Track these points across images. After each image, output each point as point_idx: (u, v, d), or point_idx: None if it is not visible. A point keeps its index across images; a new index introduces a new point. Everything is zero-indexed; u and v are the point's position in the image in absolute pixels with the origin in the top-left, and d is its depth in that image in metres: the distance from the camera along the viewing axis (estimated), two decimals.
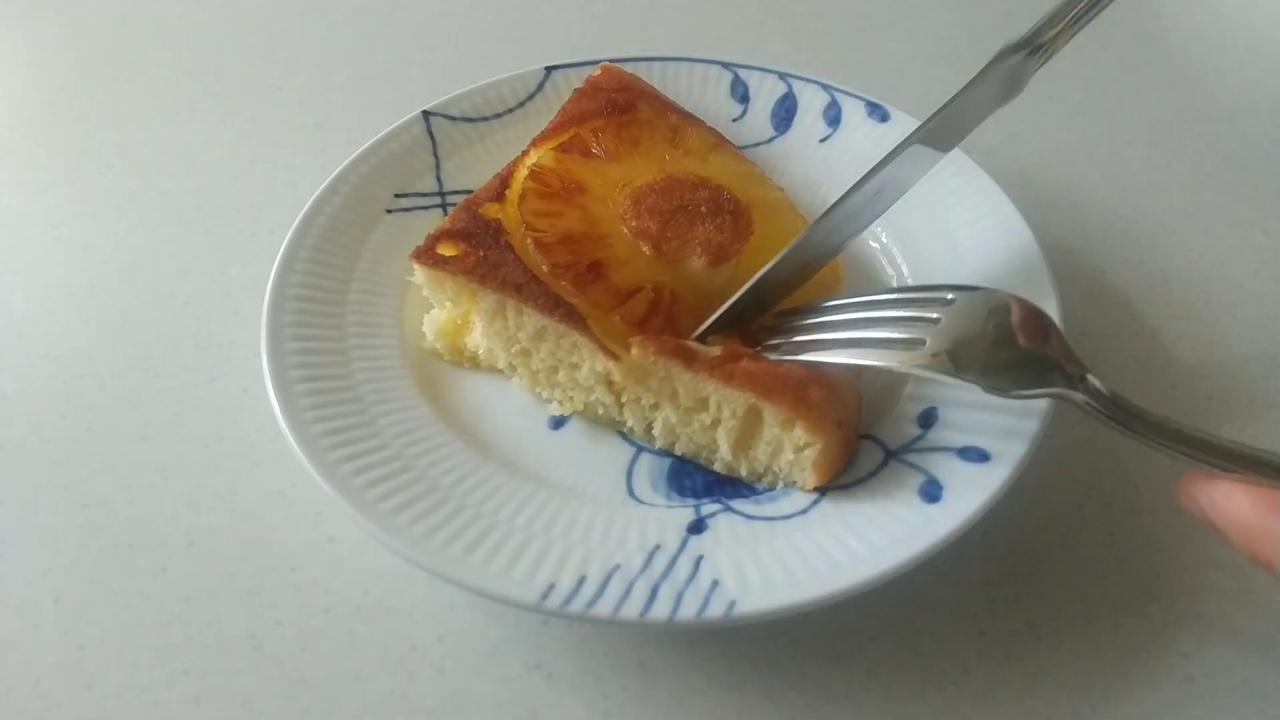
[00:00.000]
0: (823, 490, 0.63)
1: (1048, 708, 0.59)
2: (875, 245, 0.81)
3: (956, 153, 0.81)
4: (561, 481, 0.66)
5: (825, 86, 0.89)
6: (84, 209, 0.91)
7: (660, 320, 0.67)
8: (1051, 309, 0.66)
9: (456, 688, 0.60)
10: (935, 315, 0.59)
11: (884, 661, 0.61)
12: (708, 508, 0.64)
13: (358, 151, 0.80)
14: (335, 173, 0.78)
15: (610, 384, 0.68)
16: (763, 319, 0.68)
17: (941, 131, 0.63)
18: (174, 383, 0.76)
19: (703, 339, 0.67)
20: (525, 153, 0.78)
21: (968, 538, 0.58)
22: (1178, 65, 1.10)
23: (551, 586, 0.56)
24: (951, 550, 0.57)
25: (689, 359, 0.63)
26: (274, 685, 0.60)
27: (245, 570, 0.65)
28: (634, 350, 0.64)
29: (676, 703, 0.59)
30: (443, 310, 0.73)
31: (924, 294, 0.61)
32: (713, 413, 0.65)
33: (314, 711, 0.59)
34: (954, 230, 0.77)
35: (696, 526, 0.62)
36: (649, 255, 0.69)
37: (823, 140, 0.87)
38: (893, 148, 0.64)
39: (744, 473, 0.67)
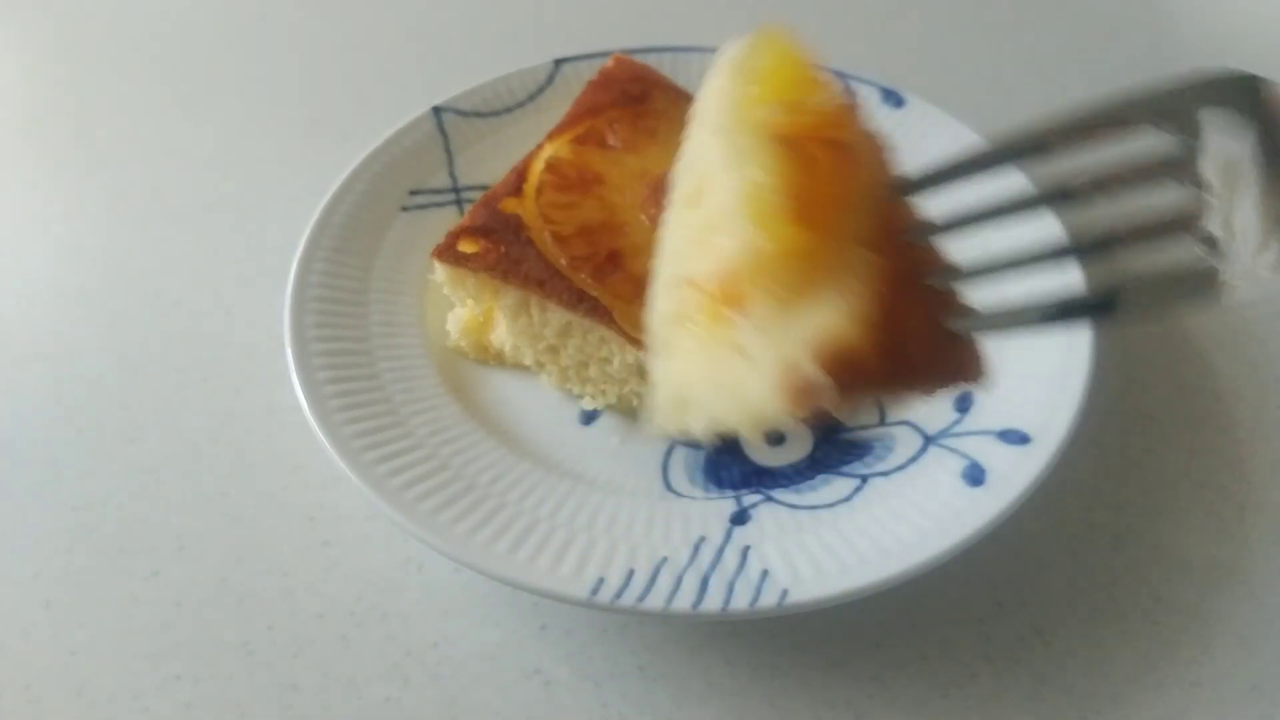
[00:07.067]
0: (864, 478, 0.63)
1: (1054, 713, 0.58)
2: None
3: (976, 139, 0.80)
4: (597, 476, 0.66)
5: (838, 73, 0.88)
6: (73, 207, 0.90)
7: None
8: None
9: (452, 694, 0.59)
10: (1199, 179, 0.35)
11: (889, 666, 0.60)
12: (749, 498, 0.63)
13: (370, 149, 0.79)
14: (348, 171, 0.77)
15: (644, 374, 0.67)
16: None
17: None
18: (165, 384, 0.75)
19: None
20: (540, 146, 0.77)
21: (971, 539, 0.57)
22: (1182, 64, 1.09)
23: (601, 581, 0.56)
24: (955, 555, 0.57)
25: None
26: (266, 691, 0.59)
27: (237, 575, 0.64)
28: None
29: (676, 709, 0.58)
30: (465, 308, 0.73)
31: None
32: None
33: (307, 718, 0.58)
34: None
35: (739, 517, 0.62)
36: None
37: None
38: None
39: None
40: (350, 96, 1.01)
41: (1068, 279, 0.43)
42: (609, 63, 0.85)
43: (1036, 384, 0.63)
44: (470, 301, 0.72)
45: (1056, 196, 0.38)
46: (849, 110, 0.44)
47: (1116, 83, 1.05)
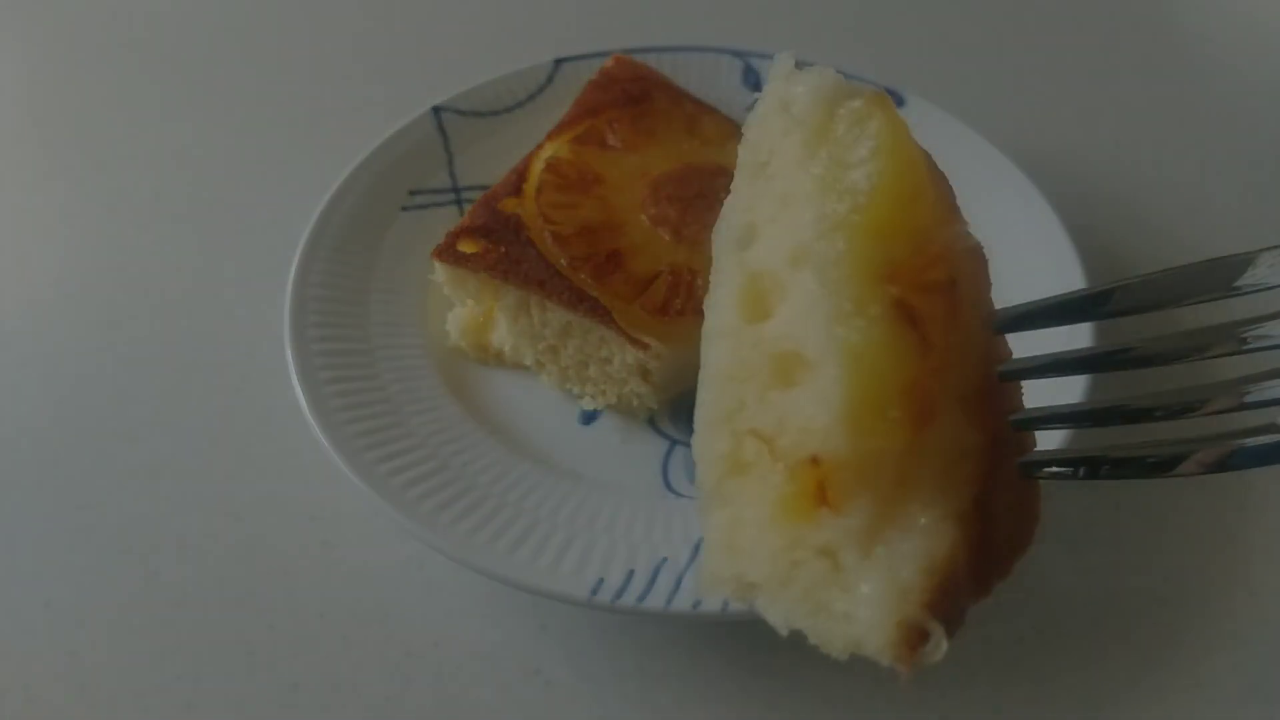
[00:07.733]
0: None
1: (1054, 714, 0.58)
2: None
3: (988, 147, 0.80)
4: (597, 476, 0.66)
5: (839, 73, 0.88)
6: (75, 207, 0.90)
7: (682, 301, 0.67)
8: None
9: (453, 694, 0.59)
10: None
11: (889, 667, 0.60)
12: None
13: (370, 149, 0.79)
14: (348, 171, 0.77)
15: (645, 374, 0.68)
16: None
17: None
18: (165, 384, 0.75)
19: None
20: (540, 146, 0.77)
21: None
22: (1186, 63, 1.08)
23: (601, 581, 0.56)
24: None
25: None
26: (267, 691, 0.59)
27: (237, 575, 0.64)
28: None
29: (676, 709, 0.58)
30: (465, 308, 0.72)
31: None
32: None
33: (308, 718, 0.58)
34: (984, 225, 0.77)
35: None
36: (668, 240, 0.69)
37: None
38: None
39: None
40: (350, 96, 1.01)
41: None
42: (609, 63, 0.85)
43: (1037, 384, 0.63)
44: (470, 301, 0.72)
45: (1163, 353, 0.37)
46: (955, 224, 0.38)
47: (1118, 84, 1.04)
